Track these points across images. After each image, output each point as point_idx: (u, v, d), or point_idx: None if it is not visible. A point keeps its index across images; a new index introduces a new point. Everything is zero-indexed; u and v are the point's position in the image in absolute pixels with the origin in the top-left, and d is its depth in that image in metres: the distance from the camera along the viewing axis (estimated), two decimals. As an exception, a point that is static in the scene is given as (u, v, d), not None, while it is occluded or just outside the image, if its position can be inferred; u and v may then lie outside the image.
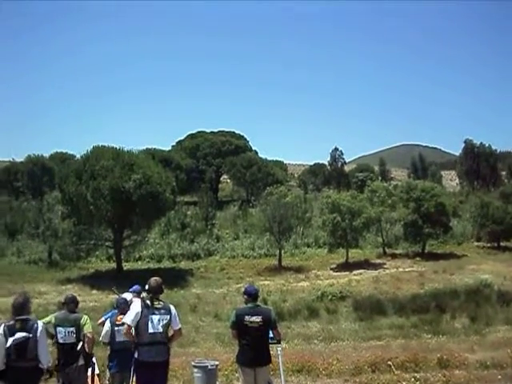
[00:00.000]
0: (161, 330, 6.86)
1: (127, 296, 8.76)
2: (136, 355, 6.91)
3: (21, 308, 6.69)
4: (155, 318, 6.84)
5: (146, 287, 7.11)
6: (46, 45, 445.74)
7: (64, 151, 79.42)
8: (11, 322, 6.61)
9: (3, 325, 6.65)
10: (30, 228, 45.41)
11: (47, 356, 6.85)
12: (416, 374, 10.73)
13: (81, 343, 7.70)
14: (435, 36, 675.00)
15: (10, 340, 6.45)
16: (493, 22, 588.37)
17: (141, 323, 6.82)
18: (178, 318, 7.13)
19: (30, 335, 6.54)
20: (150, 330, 6.80)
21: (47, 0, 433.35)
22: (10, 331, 6.50)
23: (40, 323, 6.78)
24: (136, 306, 6.98)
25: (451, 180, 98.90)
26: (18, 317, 6.64)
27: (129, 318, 6.93)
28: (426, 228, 38.99)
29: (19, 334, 6.48)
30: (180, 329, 7.17)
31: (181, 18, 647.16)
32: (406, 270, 35.48)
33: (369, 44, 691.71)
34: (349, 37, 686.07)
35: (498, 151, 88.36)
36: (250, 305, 7.39)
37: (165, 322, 6.89)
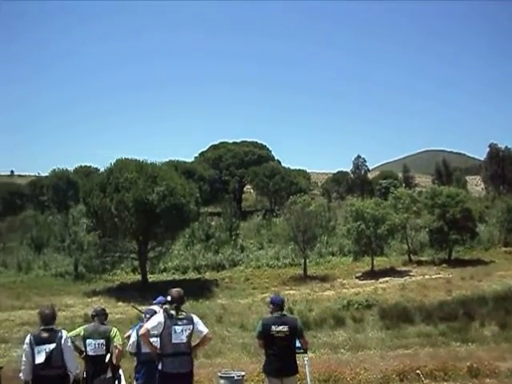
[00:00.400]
0: (184, 340, 6.88)
1: (156, 308, 8.80)
2: (160, 367, 6.92)
3: (48, 319, 6.90)
4: (178, 328, 6.86)
5: (168, 298, 7.14)
6: (68, 57, 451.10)
7: (88, 165, 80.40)
8: (37, 332, 6.86)
9: (29, 335, 6.87)
10: (56, 241, 45.95)
11: (75, 363, 7.04)
12: (445, 383, 10.59)
13: (109, 355, 7.79)
14: (456, 41, 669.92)
15: (40, 357, 6.63)
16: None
17: (164, 334, 6.85)
18: (203, 325, 7.15)
19: (55, 344, 6.70)
20: (174, 341, 6.82)
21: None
22: (36, 340, 6.71)
23: (64, 332, 6.97)
24: (158, 317, 7.02)
25: (476, 185, 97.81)
26: (44, 327, 6.83)
27: (150, 323, 6.99)
28: (453, 234, 38.57)
29: (44, 347, 6.67)
30: (208, 333, 7.17)
31: (199, 23, 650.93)
32: (433, 277, 35.09)
33: (390, 50, 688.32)
34: (369, 42, 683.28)
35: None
36: (276, 314, 7.39)
37: (188, 332, 6.91)
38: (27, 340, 6.84)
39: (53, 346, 6.74)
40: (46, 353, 6.68)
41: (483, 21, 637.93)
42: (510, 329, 19.97)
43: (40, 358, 6.69)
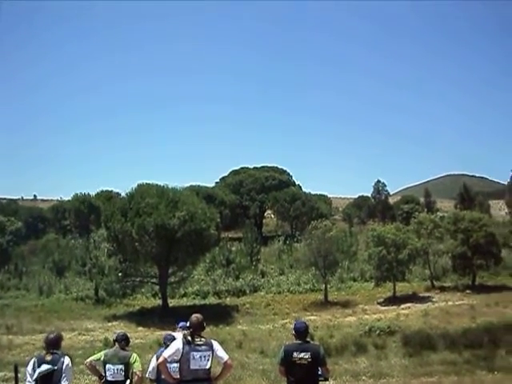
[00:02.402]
0: (203, 366, 6.82)
1: (176, 334, 8.75)
2: None
3: (52, 343, 7.10)
4: (197, 354, 6.81)
5: (188, 324, 7.14)
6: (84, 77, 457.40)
7: (109, 189, 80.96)
8: (41, 355, 7.03)
9: (34, 358, 7.10)
10: (78, 265, 46.30)
11: None
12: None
13: (128, 381, 7.75)
14: (479, 57, 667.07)
15: (37, 371, 6.77)
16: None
17: (182, 360, 6.81)
18: (223, 351, 7.08)
19: (56, 367, 6.81)
20: (192, 367, 6.77)
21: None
22: (39, 363, 6.84)
23: (67, 358, 7.08)
24: (177, 343, 6.99)
25: (500, 209, 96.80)
26: (48, 351, 7.02)
27: (167, 352, 6.96)
28: (476, 259, 38.09)
29: (44, 366, 6.78)
30: (228, 360, 7.08)
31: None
32: (456, 303, 34.58)
33: (409, 74, 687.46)
34: (389, 66, 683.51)
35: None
36: (298, 341, 7.29)
37: (207, 358, 6.86)
38: (31, 362, 7.00)
39: (53, 368, 6.85)
40: (43, 371, 6.80)
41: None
42: (537, 357, 19.51)
43: (36, 376, 6.83)
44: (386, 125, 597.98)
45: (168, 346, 8.03)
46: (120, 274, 36.96)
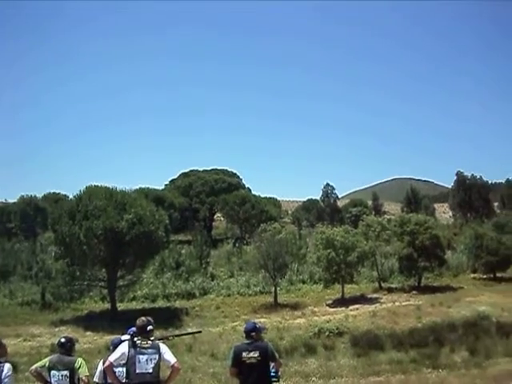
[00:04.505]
0: (150, 370, 6.76)
1: (124, 337, 8.64)
2: None
3: None
4: (143, 357, 6.76)
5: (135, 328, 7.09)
6: (39, 76, 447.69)
7: (57, 191, 79.38)
8: None
9: None
10: (23, 269, 45.05)
11: None
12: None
13: (75, 387, 7.61)
14: (436, 62, 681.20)
15: None
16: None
17: (129, 364, 6.75)
18: (170, 354, 7.02)
19: None
20: (138, 371, 6.71)
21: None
22: None
23: (7, 365, 6.93)
24: (123, 347, 6.93)
25: (444, 212, 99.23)
26: None
27: (113, 356, 6.90)
28: (422, 261, 38.89)
29: None
30: (176, 363, 7.02)
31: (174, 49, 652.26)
32: (403, 303, 35.23)
33: (364, 72, 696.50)
34: (345, 63, 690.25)
35: (490, 182, 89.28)
36: (246, 341, 7.32)
37: (154, 361, 6.80)
38: None
39: None
40: None
41: (473, 47, 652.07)
42: (479, 354, 20.07)
43: None
44: (335, 127, 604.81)
45: (114, 349, 7.95)
46: (67, 278, 36.14)
